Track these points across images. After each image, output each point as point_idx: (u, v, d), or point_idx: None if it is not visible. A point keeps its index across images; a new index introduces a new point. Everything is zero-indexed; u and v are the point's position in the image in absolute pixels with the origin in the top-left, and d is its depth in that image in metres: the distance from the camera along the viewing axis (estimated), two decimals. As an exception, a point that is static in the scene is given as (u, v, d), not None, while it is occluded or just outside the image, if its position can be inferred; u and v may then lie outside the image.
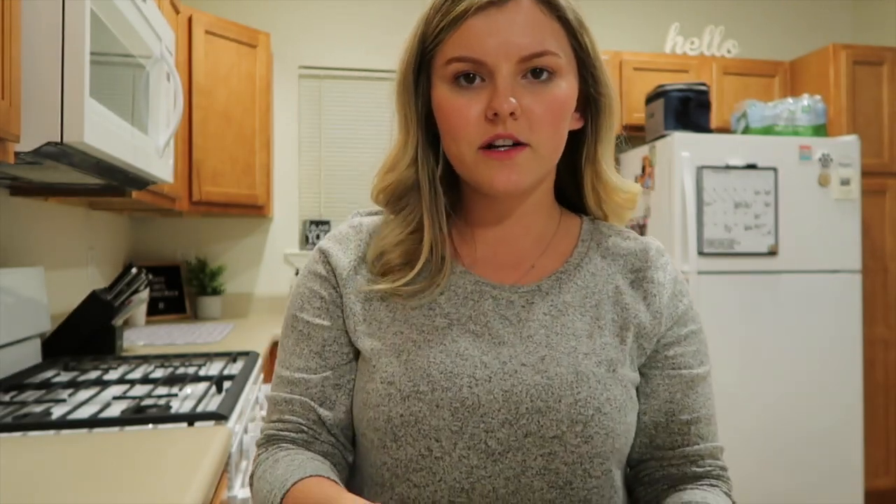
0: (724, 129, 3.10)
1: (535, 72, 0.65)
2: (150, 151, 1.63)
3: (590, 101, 0.72)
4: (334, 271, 0.74)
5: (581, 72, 0.70)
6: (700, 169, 2.67)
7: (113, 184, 1.59)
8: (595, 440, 0.64)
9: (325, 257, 0.75)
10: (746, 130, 2.93)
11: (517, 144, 0.65)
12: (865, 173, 2.91)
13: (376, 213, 0.79)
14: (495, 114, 0.64)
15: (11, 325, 1.56)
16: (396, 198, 0.74)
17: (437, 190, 0.73)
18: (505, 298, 0.71)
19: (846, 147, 2.80)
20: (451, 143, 0.68)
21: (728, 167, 2.69)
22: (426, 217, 0.72)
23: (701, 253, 2.65)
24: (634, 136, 3.15)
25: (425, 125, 0.72)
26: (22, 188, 1.70)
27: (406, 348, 0.68)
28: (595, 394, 0.65)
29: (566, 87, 0.67)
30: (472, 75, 0.66)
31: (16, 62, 1.09)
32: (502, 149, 0.65)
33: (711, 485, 0.70)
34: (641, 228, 2.97)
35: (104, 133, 1.28)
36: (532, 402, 0.64)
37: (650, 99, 2.97)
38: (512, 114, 0.64)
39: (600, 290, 0.72)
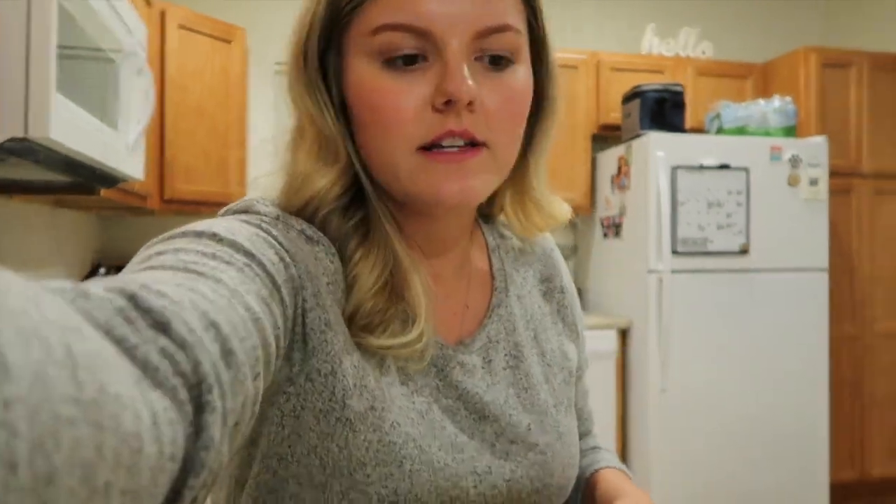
0: (698, 130, 3.14)
1: (494, 58, 0.51)
2: (119, 148, 1.59)
3: (535, 99, 0.56)
4: (314, 283, 0.50)
5: (533, 62, 0.55)
6: (675, 169, 2.70)
7: (81, 181, 1.55)
8: (569, 490, 0.62)
9: (289, 257, 0.49)
10: (720, 131, 2.96)
11: (471, 144, 0.50)
12: (833, 173, 2.96)
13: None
14: (447, 101, 0.48)
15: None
16: (327, 208, 0.53)
17: (387, 208, 0.55)
18: (468, 363, 0.58)
19: (815, 148, 2.84)
20: (379, 142, 0.51)
21: (702, 167, 2.72)
22: (397, 247, 0.54)
23: (675, 252, 2.68)
24: (610, 135, 3.17)
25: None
26: (-17, 185, 1.65)
27: (408, 453, 0.51)
28: (573, 452, 0.62)
29: (524, 77, 0.53)
30: (411, 55, 0.49)
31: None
32: (452, 149, 0.50)
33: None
34: (617, 228, 3.00)
35: (71, 129, 1.26)
36: (533, 484, 0.57)
37: (627, 99, 2.99)
38: (470, 103, 0.48)
39: (531, 315, 0.64)
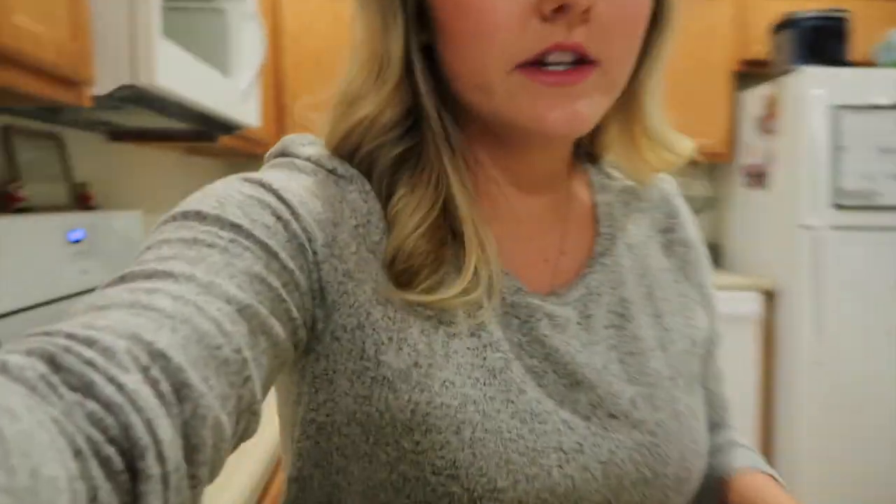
0: (865, 63, 2.71)
1: None
2: (232, 94, 1.60)
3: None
4: (332, 234, 0.45)
5: None
6: (835, 109, 2.35)
7: (199, 129, 1.59)
8: (692, 487, 0.50)
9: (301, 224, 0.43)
10: (894, 64, 2.54)
11: (581, 62, 0.42)
12: None
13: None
14: (559, 7, 0.40)
15: (110, 266, 1.61)
16: (375, 142, 0.47)
17: (449, 130, 0.47)
18: (561, 316, 0.49)
19: None
20: (468, 56, 0.44)
21: (871, 107, 2.35)
22: (452, 178, 0.46)
23: (836, 206, 2.35)
24: (755, 72, 2.83)
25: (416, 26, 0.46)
26: (119, 133, 1.73)
27: (468, 417, 0.43)
28: (696, 437, 0.50)
29: None
30: None
31: (84, 3, 1.06)
32: (559, 68, 0.42)
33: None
34: (762, 178, 2.69)
35: (180, 75, 1.25)
36: (638, 471, 0.47)
37: (777, 29, 2.64)
38: (586, 11, 0.40)
39: (645, 268, 0.54)
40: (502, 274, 0.48)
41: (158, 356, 0.29)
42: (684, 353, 0.53)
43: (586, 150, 0.57)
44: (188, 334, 0.31)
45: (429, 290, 0.44)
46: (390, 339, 0.44)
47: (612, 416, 0.47)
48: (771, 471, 0.57)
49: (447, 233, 0.46)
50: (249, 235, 0.39)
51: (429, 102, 0.47)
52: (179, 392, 0.29)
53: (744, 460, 0.58)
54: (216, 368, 0.31)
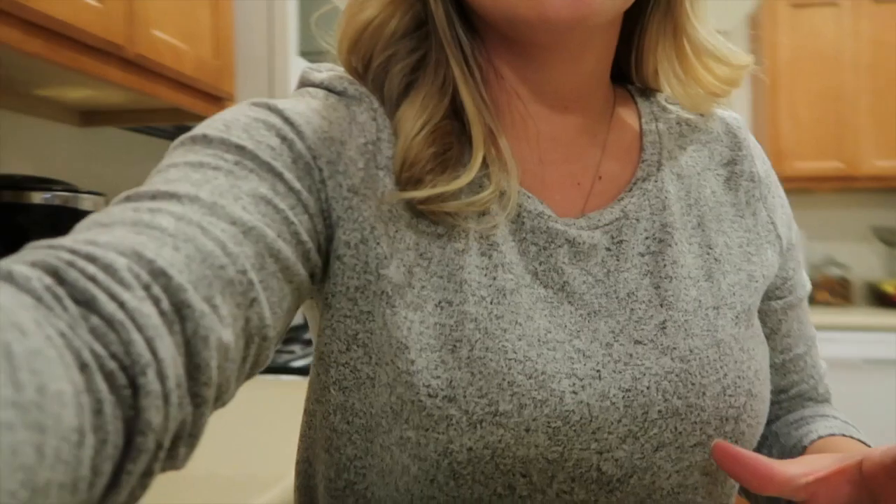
0: None
1: None
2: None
3: None
4: (340, 145, 0.43)
5: None
6: None
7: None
8: (746, 435, 0.44)
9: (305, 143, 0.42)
10: None
11: None
12: None
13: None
14: None
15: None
16: (385, 53, 0.46)
17: (458, 32, 0.46)
18: (586, 242, 0.45)
19: None
20: None
21: None
22: (459, 79, 0.45)
23: None
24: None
25: None
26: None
27: (465, 335, 0.41)
28: (743, 370, 0.45)
29: None
30: None
31: (227, 21, 1.18)
32: None
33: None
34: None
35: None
36: (666, 400, 0.43)
37: None
38: None
39: (696, 198, 0.50)
40: (521, 192, 0.45)
41: (160, 274, 0.28)
42: (737, 285, 0.48)
43: (640, 87, 0.54)
44: (191, 253, 0.30)
45: (430, 189, 0.42)
46: (392, 253, 0.42)
47: (638, 342, 0.43)
48: (861, 436, 0.50)
49: (455, 138, 0.44)
50: (254, 157, 0.39)
51: (433, 3, 0.45)
52: (180, 311, 0.28)
53: (831, 429, 0.51)
54: (221, 289, 0.31)
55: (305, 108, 0.43)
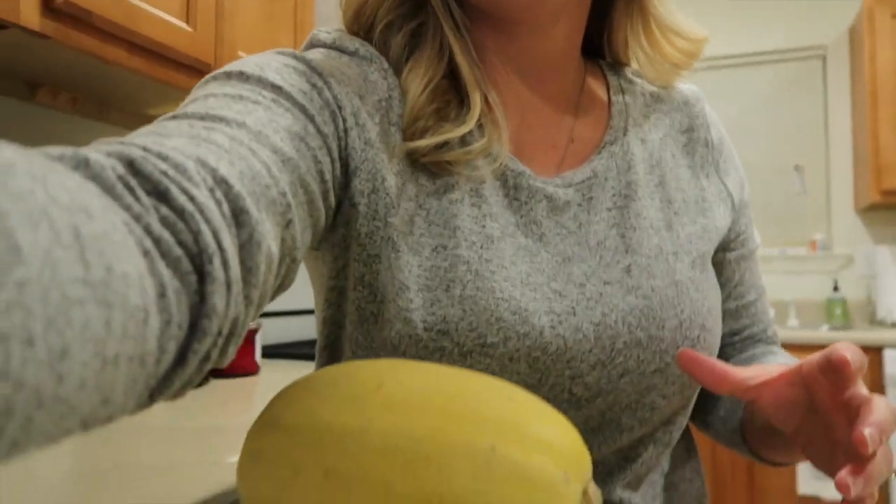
0: None
1: None
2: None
3: None
4: (360, 101, 0.47)
5: None
6: None
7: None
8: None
9: (325, 82, 0.46)
10: None
11: None
12: None
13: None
14: None
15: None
16: (386, 19, 0.51)
17: (450, 4, 0.51)
18: (561, 198, 0.51)
19: None
20: None
21: None
22: (455, 45, 0.50)
23: None
24: None
25: None
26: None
27: (458, 276, 0.46)
28: (697, 307, 0.50)
29: None
30: None
31: (309, 27, 1.31)
32: None
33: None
34: None
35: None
36: (631, 332, 0.48)
37: None
38: None
39: (657, 160, 0.55)
40: (508, 153, 0.50)
41: (221, 181, 0.30)
42: (693, 235, 0.53)
43: (609, 61, 0.60)
44: (244, 170, 0.32)
45: (435, 136, 0.47)
46: (398, 203, 0.47)
47: (607, 283, 0.49)
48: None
49: (454, 97, 0.50)
50: (289, 97, 0.41)
51: None
52: (238, 217, 0.30)
53: (777, 362, 0.56)
54: (266, 206, 0.33)
55: (325, 61, 0.47)
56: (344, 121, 0.46)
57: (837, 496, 2.18)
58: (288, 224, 0.35)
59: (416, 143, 0.47)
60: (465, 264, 0.46)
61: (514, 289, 0.46)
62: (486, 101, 0.50)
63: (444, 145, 0.48)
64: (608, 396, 0.48)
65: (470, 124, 0.48)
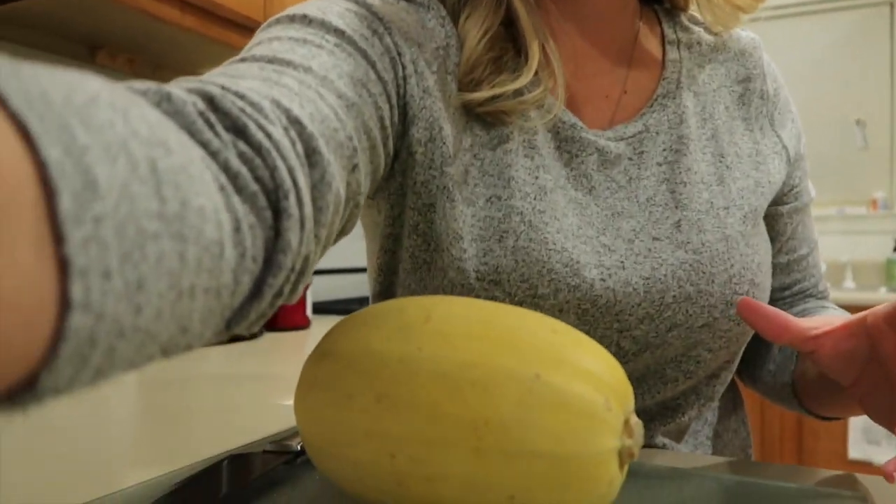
0: None
1: None
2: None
3: None
4: (419, 49, 0.47)
5: None
6: None
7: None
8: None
9: (387, 28, 0.46)
10: None
11: None
12: None
13: None
14: None
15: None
16: None
17: None
18: (612, 152, 0.51)
19: None
20: None
21: None
22: None
23: None
24: None
25: None
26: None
27: (511, 227, 0.47)
28: (748, 262, 0.50)
29: None
30: None
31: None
32: None
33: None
34: None
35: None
36: (680, 287, 0.48)
37: None
38: None
39: (710, 113, 0.55)
40: (561, 105, 0.50)
41: (294, 122, 0.30)
42: (745, 189, 0.53)
43: (667, 8, 0.60)
44: (313, 112, 0.33)
45: (492, 89, 0.47)
46: (454, 153, 0.47)
47: (656, 238, 0.49)
48: None
49: (511, 45, 0.50)
50: (352, 42, 0.42)
51: None
52: (311, 157, 0.31)
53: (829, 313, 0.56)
54: (334, 149, 0.33)
55: (382, 6, 0.47)
56: (403, 68, 0.46)
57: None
58: (353, 168, 0.36)
59: (472, 96, 0.48)
60: (518, 215, 0.47)
61: (566, 241, 0.47)
62: (542, 50, 0.50)
63: (499, 95, 0.48)
64: (655, 350, 0.49)
65: (528, 76, 0.47)
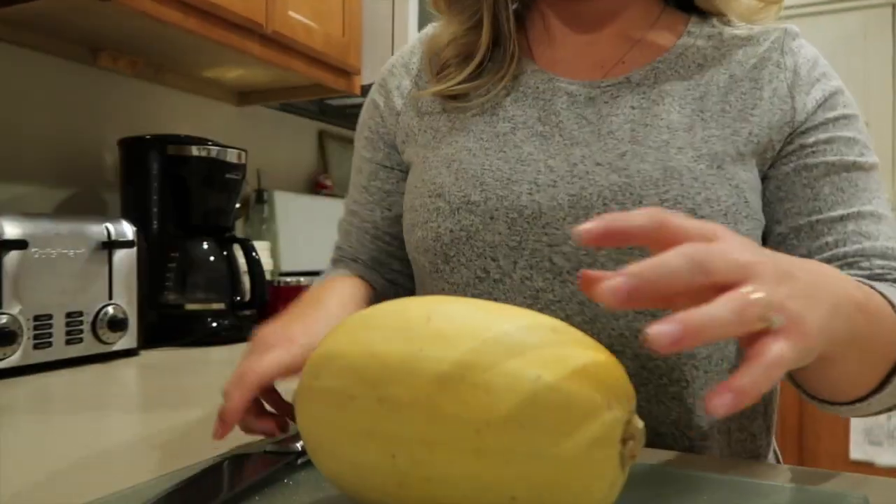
0: None
1: None
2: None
3: None
4: (389, 95, 0.66)
5: None
6: None
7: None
8: None
9: (382, 82, 0.68)
10: None
11: None
12: None
13: None
14: None
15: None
16: None
17: None
18: (584, 95, 0.58)
19: None
20: None
21: None
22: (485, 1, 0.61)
23: None
24: None
25: None
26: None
27: (459, 157, 0.58)
28: (689, 192, 0.52)
29: None
30: None
31: (356, 3, 1.31)
32: None
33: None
34: None
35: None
36: (605, 205, 0.52)
37: None
38: None
39: (708, 80, 0.57)
40: (533, 68, 0.61)
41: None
42: (714, 136, 0.54)
43: (702, 11, 0.62)
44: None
45: (441, 84, 0.61)
46: (423, 131, 0.63)
47: (598, 164, 0.54)
48: None
49: (476, 43, 0.62)
50: (371, 164, 0.69)
51: None
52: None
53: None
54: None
55: (385, 76, 0.69)
56: (398, 115, 0.65)
57: (891, 462, 2.14)
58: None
59: (433, 89, 0.61)
60: (467, 150, 0.58)
61: (504, 164, 0.56)
62: (506, 50, 0.61)
63: (452, 86, 0.60)
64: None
65: (462, 75, 0.60)
